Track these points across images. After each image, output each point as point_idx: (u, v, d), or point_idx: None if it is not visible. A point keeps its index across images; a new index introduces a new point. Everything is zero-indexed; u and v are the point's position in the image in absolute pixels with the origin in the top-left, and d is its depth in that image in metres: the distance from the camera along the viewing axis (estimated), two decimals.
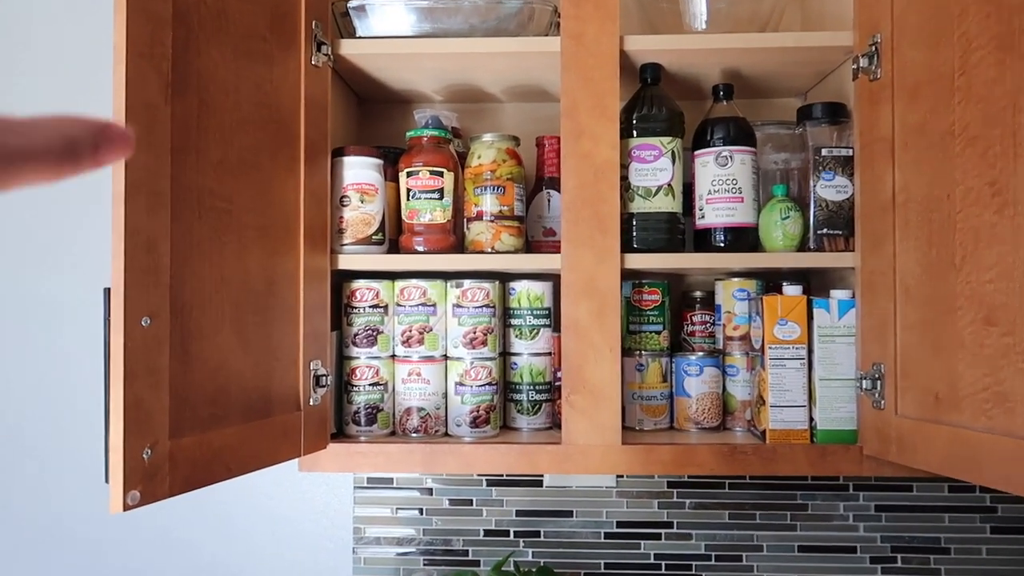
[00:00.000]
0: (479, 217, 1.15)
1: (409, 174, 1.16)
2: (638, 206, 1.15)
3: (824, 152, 1.13)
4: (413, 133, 1.18)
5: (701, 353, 1.27)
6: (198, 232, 0.88)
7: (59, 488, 1.44)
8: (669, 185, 1.15)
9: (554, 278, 1.27)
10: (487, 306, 1.19)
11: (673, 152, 1.15)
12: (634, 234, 1.15)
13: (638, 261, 1.12)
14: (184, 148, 0.86)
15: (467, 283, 1.18)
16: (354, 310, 1.19)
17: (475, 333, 1.19)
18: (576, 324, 1.10)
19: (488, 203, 1.15)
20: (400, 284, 1.19)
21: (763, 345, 1.14)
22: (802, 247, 1.15)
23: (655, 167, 1.15)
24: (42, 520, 1.46)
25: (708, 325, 1.33)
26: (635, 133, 1.15)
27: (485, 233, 1.15)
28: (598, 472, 1.09)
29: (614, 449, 1.09)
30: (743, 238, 1.16)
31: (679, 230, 1.16)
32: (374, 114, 1.42)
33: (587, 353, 1.10)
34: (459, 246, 1.19)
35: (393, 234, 1.23)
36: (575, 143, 1.10)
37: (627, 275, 1.21)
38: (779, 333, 1.14)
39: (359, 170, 1.16)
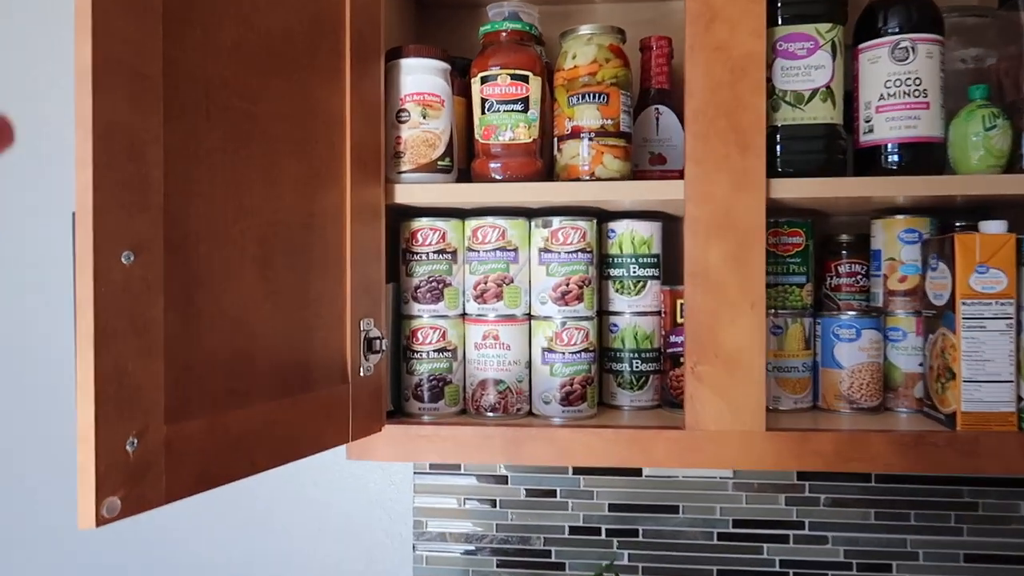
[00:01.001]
0: (574, 134, 0.89)
1: (484, 80, 0.90)
2: (785, 116, 0.87)
3: None
4: (488, 28, 0.91)
5: (854, 312, 0.99)
6: (207, 138, 0.64)
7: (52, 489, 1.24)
8: (827, 87, 0.87)
9: (663, 218, 1.00)
10: (583, 250, 0.93)
11: (833, 44, 0.87)
12: (779, 154, 0.87)
13: (788, 188, 0.85)
14: (185, 20, 0.61)
15: (558, 221, 0.92)
16: (415, 256, 0.94)
17: (568, 285, 0.93)
18: (705, 273, 0.84)
19: (586, 116, 0.88)
20: (473, 223, 0.94)
21: (953, 300, 0.86)
22: (1010, 167, 0.86)
23: (809, 64, 0.87)
24: (39, 522, 1.27)
25: (859, 277, 1.04)
26: (780, 19, 0.87)
27: (582, 154, 0.88)
28: (736, 467, 0.83)
29: (756, 437, 0.83)
30: (925, 157, 0.87)
31: (839, 148, 0.88)
32: (436, 20, 1.16)
33: (720, 310, 0.83)
34: (547, 172, 0.93)
35: (463, 160, 0.97)
36: (705, 31, 0.83)
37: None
38: (977, 284, 0.85)
39: (421, 76, 0.91)
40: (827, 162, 0.87)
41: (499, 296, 0.93)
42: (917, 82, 0.86)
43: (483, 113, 0.90)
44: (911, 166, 0.87)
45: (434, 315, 0.94)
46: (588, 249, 0.93)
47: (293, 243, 0.73)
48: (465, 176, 0.96)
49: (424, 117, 0.90)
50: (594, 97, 0.88)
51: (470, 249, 0.94)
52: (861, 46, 0.89)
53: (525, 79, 0.89)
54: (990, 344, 0.85)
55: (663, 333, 0.99)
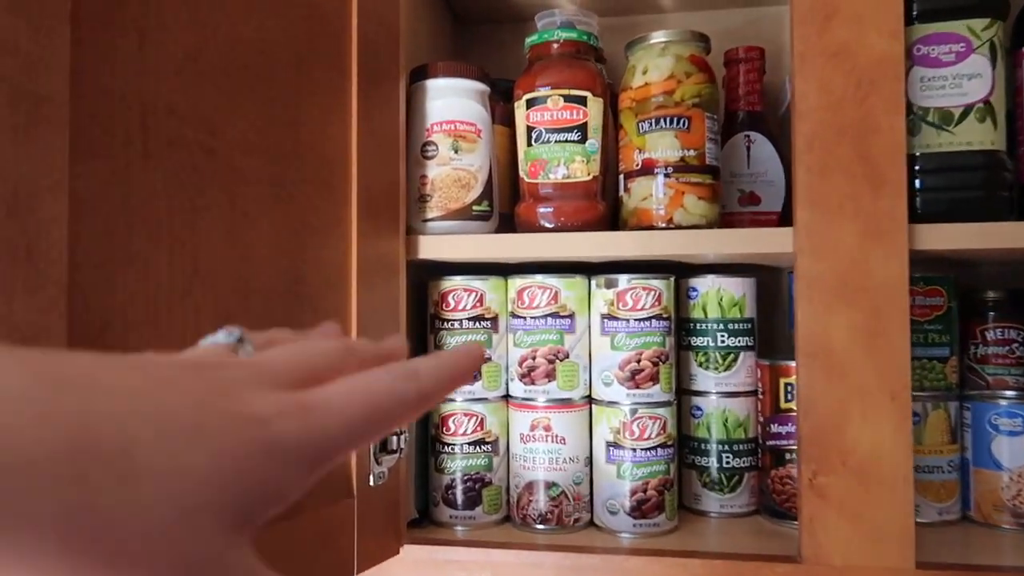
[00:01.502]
0: (646, 170, 0.69)
1: (531, 103, 0.71)
2: (927, 142, 0.66)
3: None
4: (535, 39, 0.73)
5: (1014, 393, 0.76)
6: (143, 183, 0.46)
7: None
8: (986, 103, 0.65)
9: (757, 272, 0.80)
10: (658, 317, 0.73)
11: (992, 45, 0.66)
12: (919, 191, 0.66)
13: (938, 238, 0.63)
14: (111, 21, 0.44)
15: (626, 280, 0.72)
16: (446, 324, 0.75)
17: (640, 362, 0.72)
18: (827, 351, 0.62)
19: (661, 146, 0.68)
20: (518, 282, 0.75)
21: None
22: None
23: (959, 72, 0.65)
24: None
25: (1016, 346, 0.81)
26: (916, 15, 0.66)
27: (656, 195, 0.69)
28: None
29: None
30: None
31: (1004, 181, 0.66)
32: (476, 37, 0.99)
33: (848, 402, 0.62)
34: (611, 218, 0.74)
35: (505, 204, 0.79)
36: (821, 33, 0.62)
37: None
38: None
39: (453, 100, 0.73)
40: (987, 200, 0.65)
41: (551, 375, 0.73)
42: None
43: (530, 145, 0.71)
44: None
45: (469, 398, 0.74)
46: (664, 315, 0.73)
47: (272, 316, 0.55)
48: (508, 223, 0.77)
49: (456, 151, 0.72)
50: (671, 122, 0.68)
51: (514, 315, 0.75)
52: None
53: (582, 101, 0.70)
54: None
55: (761, 419, 0.77)
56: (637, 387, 0.72)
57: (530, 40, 0.73)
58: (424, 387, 0.25)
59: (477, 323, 0.75)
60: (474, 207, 0.73)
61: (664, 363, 0.73)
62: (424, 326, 0.77)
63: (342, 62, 0.62)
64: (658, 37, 0.69)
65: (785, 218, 0.81)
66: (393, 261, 0.68)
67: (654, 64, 0.69)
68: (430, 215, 0.72)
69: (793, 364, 0.74)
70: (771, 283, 0.83)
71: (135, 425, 0.18)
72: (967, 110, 0.65)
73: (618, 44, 0.80)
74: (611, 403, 0.73)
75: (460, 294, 0.75)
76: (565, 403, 0.74)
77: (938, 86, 0.66)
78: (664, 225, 0.68)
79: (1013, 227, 0.62)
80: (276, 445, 0.20)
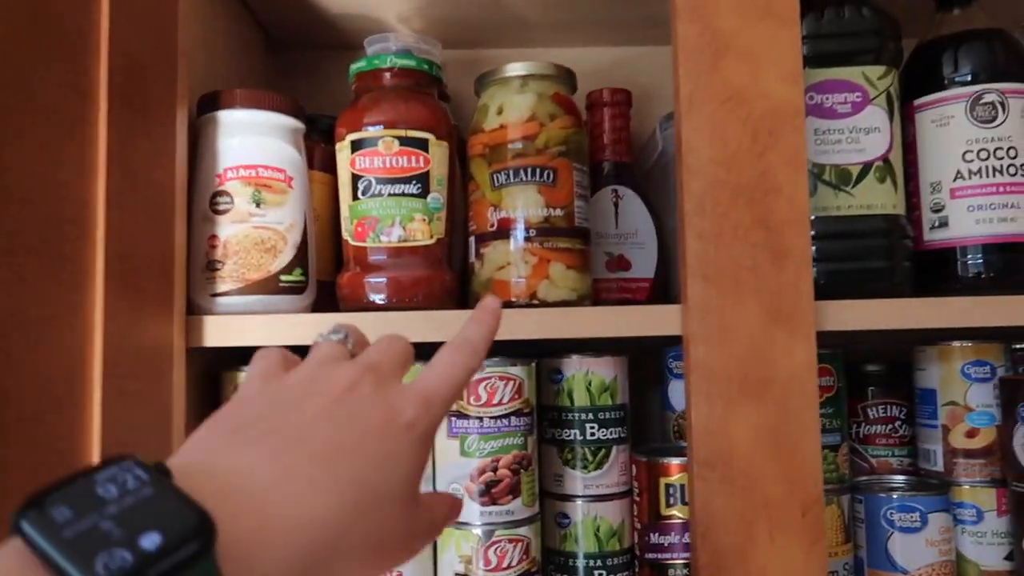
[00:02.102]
0: (503, 231, 0.55)
1: (357, 145, 0.56)
2: (823, 203, 0.57)
3: None
4: (364, 65, 0.58)
5: (906, 485, 0.69)
6: None
7: None
8: (885, 161, 0.57)
9: (630, 350, 0.68)
10: (519, 412, 0.59)
11: (889, 97, 0.58)
12: (816, 261, 0.56)
13: (847, 318, 0.53)
14: None
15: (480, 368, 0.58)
16: None
17: (497, 470, 0.58)
18: (728, 457, 0.50)
19: (521, 202, 0.55)
20: None
21: None
22: None
23: (856, 125, 0.57)
24: None
25: (898, 424, 0.74)
26: (809, 58, 0.57)
27: (516, 264, 0.55)
28: None
29: None
30: (1020, 264, 0.58)
31: (907, 251, 0.58)
32: (295, 68, 0.82)
33: (756, 520, 0.50)
34: (459, 292, 0.59)
35: (326, 271, 0.62)
36: (711, 68, 0.52)
37: None
38: None
39: (256, 139, 0.56)
40: (891, 272, 0.57)
41: None
42: (1011, 153, 0.57)
43: (356, 198, 0.56)
44: (1003, 277, 0.58)
45: None
46: (526, 409, 0.59)
47: None
48: (326, 297, 0.61)
49: (258, 204, 0.55)
50: (533, 173, 0.55)
51: None
52: (919, 101, 0.60)
53: (423, 145, 0.55)
54: None
55: (638, 527, 0.65)
56: (493, 503, 0.57)
57: (356, 67, 0.58)
58: (479, 350, 0.36)
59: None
60: (282, 277, 0.56)
61: (527, 469, 0.59)
62: None
63: (82, 79, 0.44)
64: (516, 70, 0.57)
65: (658, 286, 0.70)
66: (162, 353, 0.49)
67: (511, 103, 0.56)
68: (222, 288, 0.54)
69: (675, 461, 0.62)
70: (640, 358, 0.72)
71: (363, 476, 0.28)
72: (866, 168, 0.57)
73: (465, 81, 0.67)
74: (461, 524, 0.58)
75: None
76: None
77: (834, 140, 0.57)
78: (526, 301, 0.55)
79: (926, 304, 0.54)
80: (421, 436, 0.31)
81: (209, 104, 0.56)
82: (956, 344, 0.69)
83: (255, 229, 0.55)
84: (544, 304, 0.54)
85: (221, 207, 0.55)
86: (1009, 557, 0.66)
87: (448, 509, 0.35)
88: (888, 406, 0.75)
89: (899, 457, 0.74)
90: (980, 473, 0.67)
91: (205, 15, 0.60)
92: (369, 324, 0.53)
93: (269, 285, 0.55)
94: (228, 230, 0.55)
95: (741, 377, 0.51)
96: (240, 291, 0.54)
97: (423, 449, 0.31)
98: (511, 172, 0.55)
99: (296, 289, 0.57)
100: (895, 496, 0.66)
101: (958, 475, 0.68)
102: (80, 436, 0.42)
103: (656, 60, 0.84)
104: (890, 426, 0.74)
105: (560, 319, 0.54)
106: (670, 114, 0.70)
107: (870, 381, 0.76)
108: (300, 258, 0.57)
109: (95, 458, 0.43)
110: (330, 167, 0.64)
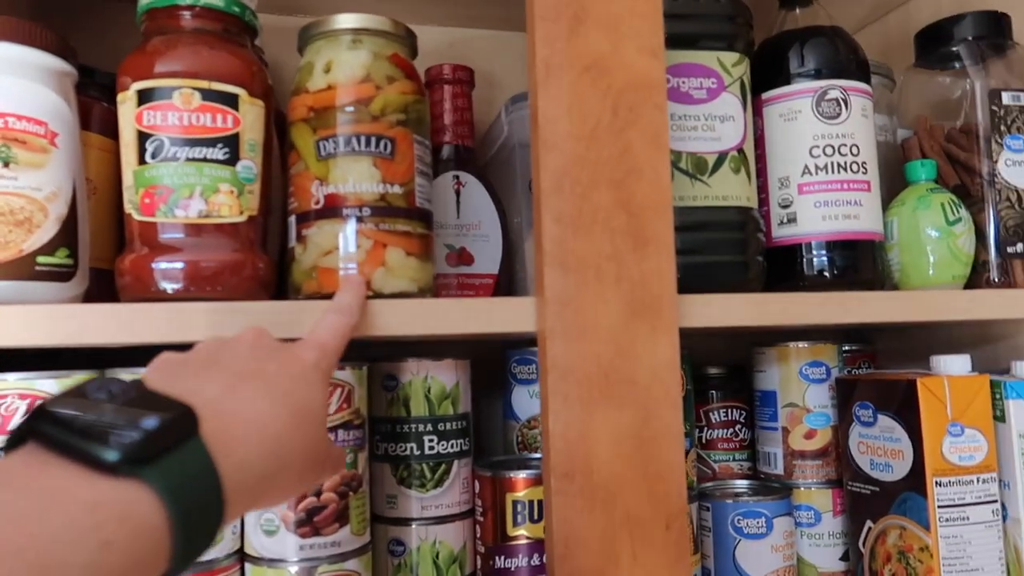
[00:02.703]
0: (331, 210, 0.47)
1: (145, 96, 0.45)
2: (680, 192, 0.53)
3: (1008, 100, 0.59)
4: (153, 1, 0.47)
5: (750, 489, 0.67)
6: None
7: None
8: (740, 151, 0.55)
9: (473, 352, 0.62)
10: (348, 425, 0.50)
11: (743, 86, 0.56)
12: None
13: (709, 313, 0.50)
14: None
15: None
16: None
17: (319, 494, 0.48)
18: (587, 468, 0.45)
19: (355, 176, 0.47)
20: (125, 377, 0.47)
21: (918, 477, 0.56)
22: (972, 279, 0.60)
23: (711, 112, 0.54)
24: None
25: (738, 427, 0.73)
26: (666, 40, 0.54)
27: (347, 248, 0.46)
28: None
29: None
30: (864, 262, 0.58)
31: (759, 245, 0.56)
32: (64, 10, 0.68)
33: (618, 537, 0.45)
34: (276, 281, 0.50)
35: (103, 258, 0.50)
36: (570, 33, 0.47)
37: None
38: (952, 452, 0.57)
39: (5, 79, 0.44)
40: (745, 267, 0.54)
41: None
42: (854, 150, 0.57)
43: (143, 162, 0.45)
44: (846, 274, 0.57)
45: None
46: (357, 421, 0.51)
47: None
48: (106, 285, 0.49)
49: (7, 164, 0.43)
50: (368, 143, 0.47)
51: None
52: (767, 95, 0.59)
53: (232, 102, 0.46)
54: (977, 543, 0.56)
55: (481, 550, 0.58)
56: (316, 533, 0.48)
57: (147, 2, 0.47)
58: (356, 311, 0.42)
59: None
60: (40, 258, 0.43)
61: (356, 492, 0.50)
62: None
63: None
64: (347, 22, 0.48)
65: (502, 284, 0.64)
66: None
67: (343, 60, 0.48)
68: None
69: (523, 475, 0.56)
70: (480, 361, 0.65)
71: (293, 394, 0.34)
72: (721, 158, 0.54)
73: (279, 49, 0.57)
74: (274, 561, 0.48)
75: (14, 403, 0.45)
76: (203, 568, 0.47)
77: (690, 126, 0.54)
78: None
79: (788, 298, 0.51)
80: (323, 375, 0.36)
81: None
82: (793, 345, 0.69)
83: (2, 195, 0.42)
84: (379, 295, 0.46)
85: None
86: (844, 557, 0.66)
87: (341, 452, 0.40)
88: (729, 409, 0.73)
89: (739, 461, 0.73)
90: (818, 475, 0.67)
91: None
92: (159, 318, 0.42)
93: (21, 268, 0.43)
94: None
95: (602, 377, 0.45)
96: None
97: (326, 387, 0.36)
98: (341, 140, 0.46)
99: (60, 275, 0.44)
100: (741, 502, 0.64)
101: (797, 477, 0.68)
102: None
103: (495, 43, 0.79)
104: (731, 430, 0.73)
105: (399, 313, 0.46)
106: (516, 96, 0.65)
107: (712, 384, 0.74)
108: (66, 236, 0.45)
109: None
110: (111, 130, 0.53)
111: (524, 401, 0.66)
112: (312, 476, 0.34)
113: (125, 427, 0.25)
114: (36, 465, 0.25)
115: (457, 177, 0.62)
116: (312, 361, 0.35)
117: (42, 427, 0.25)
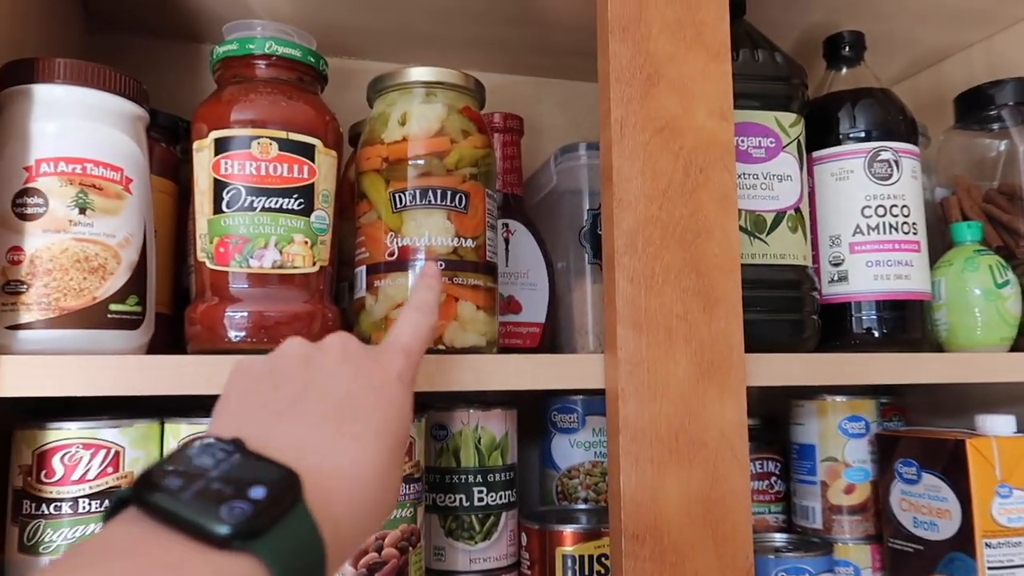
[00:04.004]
0: (402, 262, 0.46)
1: (223, 145, 0.45)
2: (740, 250, 0.54)
3: None
4: (234, 48, 0.47)
5: (791, 544, 0.67)
6: None
7: None
8: (797, 210, 0.56)
9: (521, 403, 0.62)
10: (408, 478, 0.50)
11: (799, 146, 0.57)
12: None
13: (770, 372, 0.50)
14: None
15: None
16: (49, 507, 0.43)
17: (380, 549, 0.48)
18: (658, 530, 0.45)
19: (429, 230, 0.47)
20: (186, 429, 0.46)
21: (967, 538, 0.57)
22: (1018, 341, 0.61)
23: (769, 171, 0.55)
24: None
25: (774, 480, 0.73)
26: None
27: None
28: None
29: None
30: (913, 322, 0.59)
31: (814, 303, 0.56)
32: (119, 53, 0.68)
33: None
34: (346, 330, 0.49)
35: (167, 302, 0.50)
36: (643, 95, 0.47)
37: None
38: (1001, 514, 0.57)
39: (82, 124, 0.43)
40: (802, 325, 0.55)
41: None
42: (905, 211, 0.58)
43: (219, 211, 0.44)
44: (895, 334, 0.58)
45: None
46: (417, 474, 0.50)
47: None
48: (170, 333, 0.48)
49: (84, 211, 0.42)
50: (443, 197, 0.47)
51: None
52: (818, 154, 0.60)
53: (308, 152, 0.46)
54: None
55: None
56: None
57: (224, 49, 0.47)
58: (435, 310, 0.40)
59: (111, 497, 0.44)
60: (112, 306, 0.43)
61: (415, 547, 0.49)
62: (2, 510, 0.44)
63: None
64: (421, 75, 0.49)
65: (548, 333, 0.64)
66: None
67: (418, 112, 0.48)
68: (26, 318, 0.41)
69: (570, 530, 0.56)
70: (527, 414, 0.65)
71: (386, 424, 0.33)
72: (779, 216, 0.55)
73: (331, 92, 0.57)
74: None
75: (77, 453, 0.44)
76: None
77: (750, 185, 0.54)
78: (431, 347, 0.46)
79: (845, 359, 0.52)
80: (408, 384, 0.36)
81: (18, 74, 0.43)
82: (832, 399, 0.69)
83: (77, 242, 0.42)
84: (451, 350, 0.46)
85: (29, 210, 0.41)
86: None
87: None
88: (764, 461, 0.73)
89: (775, 514, 0.72)
90: (856, 530, 0.67)
91: None
92: (224, 370, 0.42)
93: (94, 316, 0.42)
94: (38, 241, 0.41)
95: (672, 438, 0.45)
96: (52, 323, 0.41)
97: (411, 396, 0.36)
98: (417, 193, 0.46)
99: (130, 323, 0.44)
100: (784, 558, 0.64)
101: (836, 532, 0.68)
102: None
103: (535, 89, 0.79)
104: (767, 482, 0.73)
105: (475, 369, 0.45)
106: (566, 147, 0.65)
107: (749, 436, 0.74)
108: (136, 282, 0.44)
109: None
110: (169, 172, 0.52)
111: (565, 450, 0.66)
112: (390, 511, 0.34)
113: (233, 497, 0.25)
114: (147, 536, 0.24)
115: (507, 225, 0.62)
116: (398, 372, 0.35)
117: (148, 496, 0.25)
